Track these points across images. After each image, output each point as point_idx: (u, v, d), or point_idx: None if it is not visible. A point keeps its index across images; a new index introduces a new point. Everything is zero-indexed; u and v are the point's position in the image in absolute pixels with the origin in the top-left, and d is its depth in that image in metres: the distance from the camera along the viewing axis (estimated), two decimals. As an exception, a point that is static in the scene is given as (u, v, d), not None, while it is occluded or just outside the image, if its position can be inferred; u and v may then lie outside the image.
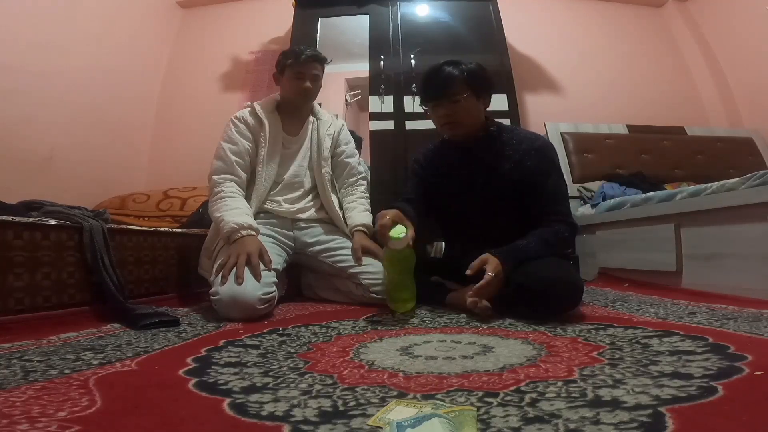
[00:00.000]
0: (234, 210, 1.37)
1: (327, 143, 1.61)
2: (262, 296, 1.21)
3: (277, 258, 1.41)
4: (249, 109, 1.57)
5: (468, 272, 1.10)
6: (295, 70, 1.53)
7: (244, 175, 1.49)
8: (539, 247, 1.16)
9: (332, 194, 1.60)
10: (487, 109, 1.34)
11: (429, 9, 2.62)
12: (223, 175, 1.45)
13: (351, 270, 1.45)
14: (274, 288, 1.28)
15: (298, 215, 1.56)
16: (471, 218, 1.35)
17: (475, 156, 1.33)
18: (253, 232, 1.33)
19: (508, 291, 1.13)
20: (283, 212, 1.54)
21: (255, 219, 1.42)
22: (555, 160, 1.31)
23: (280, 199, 1.56)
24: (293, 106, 1.60)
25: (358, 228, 1.50)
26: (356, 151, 1.76)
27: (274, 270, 1.33)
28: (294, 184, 1.58)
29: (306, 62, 1.53)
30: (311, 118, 1.65)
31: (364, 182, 1.70)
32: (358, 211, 1.56)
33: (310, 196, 1.61)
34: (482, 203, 1.31)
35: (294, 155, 1.60)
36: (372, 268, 1.41)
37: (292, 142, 1.60)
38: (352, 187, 1.65)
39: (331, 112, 1.75)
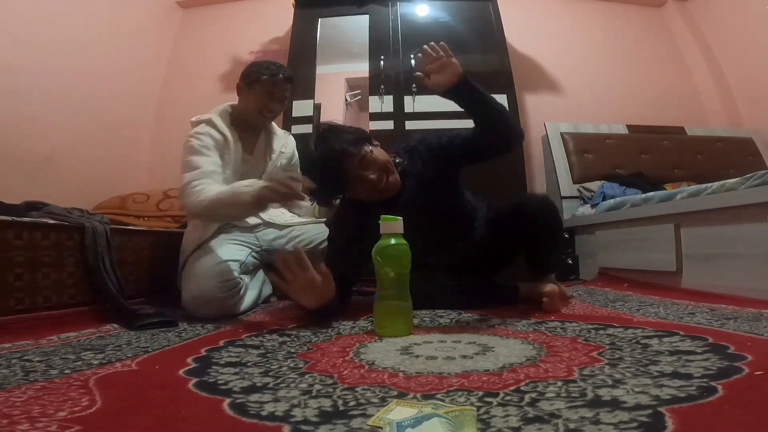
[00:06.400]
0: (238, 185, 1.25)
1: (281, 161, 1.60)
2: (219, 283, 1.25)
3: (240, 251, 1.42)
4: (206, 122, 1.43)
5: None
6: (268, 88, 1.46)
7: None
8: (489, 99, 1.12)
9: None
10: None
11: (429, 9, 2.62)
12: (203, 180, 1.28)
13: (323, 246, 1.47)
14: (234, 277, 1.30)
15: (257, 223, 1.56)
16: (426, 257, 1.17)
17: (395, 202, 1.21)
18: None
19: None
20: (242, 224, 1.52)
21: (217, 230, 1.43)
22: (427, 138, 1.29)
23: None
24: (248, 122, 1.52)
25: None
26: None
27: (237, 261, 1.36)
28: None
29: (281, 83, 1.47)
30: (263, 134, 1.60)
31: None
32: None
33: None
34: (428, 242, 1.17)
35: (251, 172, 1.53)
36: None
37: (249, 159, 1.55)
38: None
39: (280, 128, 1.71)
